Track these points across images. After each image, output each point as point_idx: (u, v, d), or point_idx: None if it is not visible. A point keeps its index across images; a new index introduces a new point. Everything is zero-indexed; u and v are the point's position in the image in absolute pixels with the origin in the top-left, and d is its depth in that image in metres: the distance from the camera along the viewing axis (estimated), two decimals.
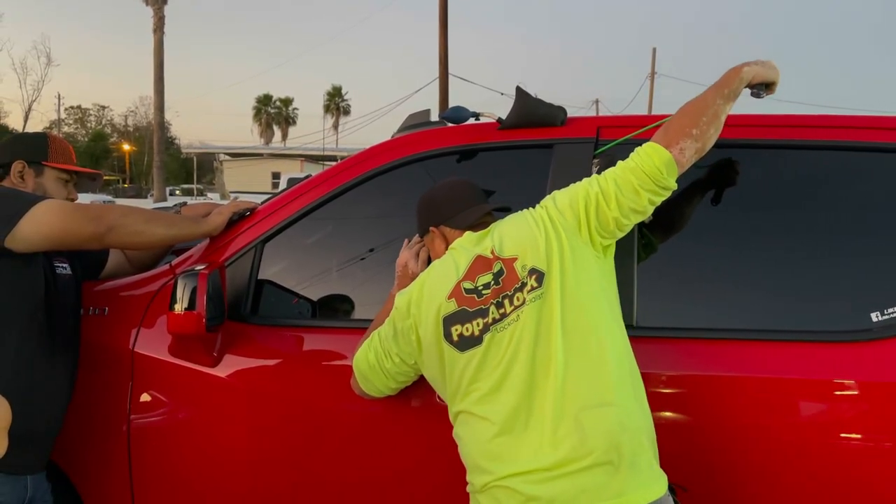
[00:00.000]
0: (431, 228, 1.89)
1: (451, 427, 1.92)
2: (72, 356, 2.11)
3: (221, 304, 2.04)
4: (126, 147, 51.78)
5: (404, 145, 2.22)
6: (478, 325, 1.66)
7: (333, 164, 2.44)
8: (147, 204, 24.05)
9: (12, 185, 2.15)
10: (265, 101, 63.38)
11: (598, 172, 2.00)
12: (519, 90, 2.16)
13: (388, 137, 2.42)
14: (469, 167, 2.20)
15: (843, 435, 1.77)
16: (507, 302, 1.65)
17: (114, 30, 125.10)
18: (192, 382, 2.12)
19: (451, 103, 19.06)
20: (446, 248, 1.84)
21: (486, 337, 1.64)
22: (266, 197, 2.44)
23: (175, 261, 2.31)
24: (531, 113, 2.12)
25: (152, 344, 2.16)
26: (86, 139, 56.93)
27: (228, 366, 2.10)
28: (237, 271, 2.20)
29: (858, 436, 1.77)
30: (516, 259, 1.68)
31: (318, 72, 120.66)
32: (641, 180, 1.68)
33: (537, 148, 2.12)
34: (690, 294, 1.99)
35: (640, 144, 1.94)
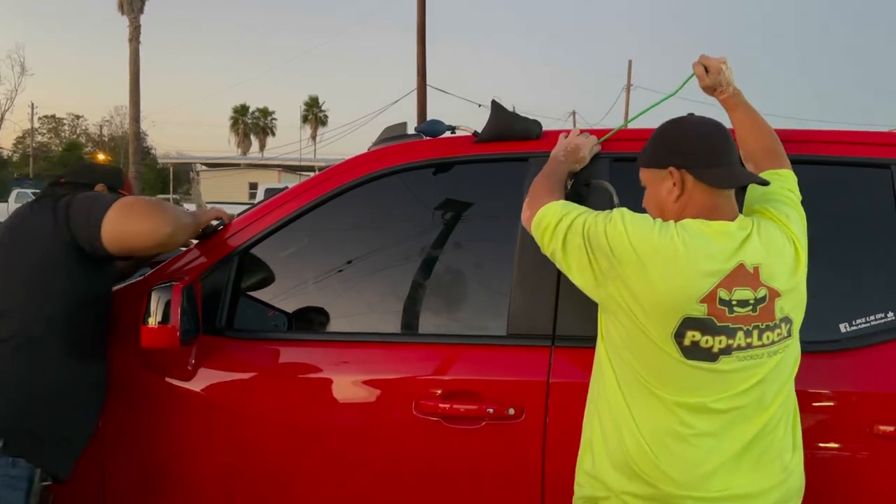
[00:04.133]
0: (672, 168, 1.58)
1: (431, 441, 1.92)
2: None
3: (196, 318, 2.03)
4: (101, 157, 51.18)
5: (382, 158, 2.22)
6: (720, 342, 1.49)
7: (311, 174, 2.44)
8: None
9: None
10: (242, 111, 63.09)
11: (573, 186, 2.02)
12: (495, 104, 2.18)
13: (365, 149, 2.43)
14: (446, 179, 2.21)
15: (814, 444, 1.79)
16: (755, 333, 1.51)
17: (89, 39, 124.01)
18: (165, 396, 2.10)
19: (430, 114, 19.18)
20: (676, 200, 1.58)
21: (724, 359, 1.50)
22: (244, 208, 2.43)
23: (149, 273, 2.30)
24: (507, 127, 2.14)
25: (127, 356, 2.14)
26: (59, 149, 56.15)
27: (203, 379, 2.09)
28: (212, 284, 2.18)
29: (828, 444, 1.80)
30: (780, 296, 1.53)
31: (296, 83, 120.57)
32: None
33: (513, 161, 2.14)
34: None
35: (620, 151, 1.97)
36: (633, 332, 1.54)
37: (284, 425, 2.05)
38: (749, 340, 1.50)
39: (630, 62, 34.48)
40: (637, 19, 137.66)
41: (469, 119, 2.23)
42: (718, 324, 1.48)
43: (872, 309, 1.85)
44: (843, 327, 1.85)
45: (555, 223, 1.64)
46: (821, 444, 1.80)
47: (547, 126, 2.21)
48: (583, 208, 1.66)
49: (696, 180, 1.56)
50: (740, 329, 1.49)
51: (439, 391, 1.95)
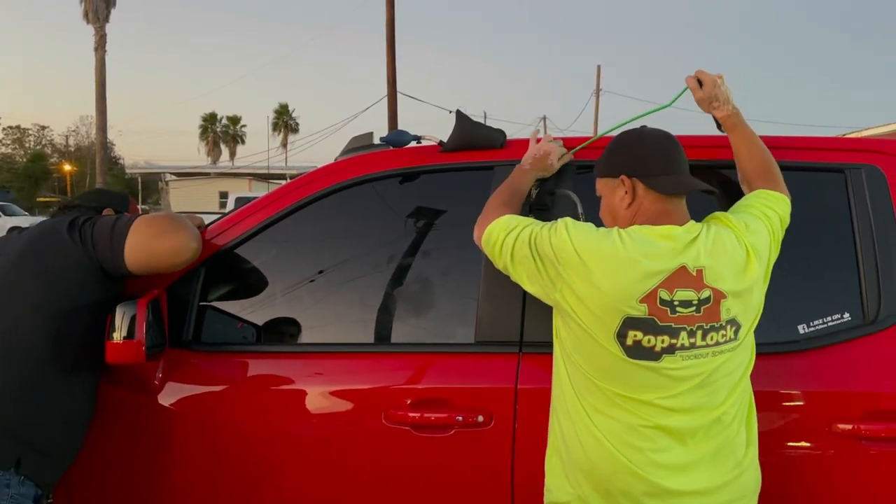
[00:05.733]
0: (623, 177, 1.66)
1: (401, 450, 1.94)
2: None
3: (162, 332, 2.01)
4: (67, 168, 50.35)
5: (351, 167, 2.23)
6: (662, 341, 1.53)
7: (282, 182, 2.44)
8: None
9: None
10: (211, 119, 62.58)
11: (537, 195, 2.03)
12: (459, 114, 2.20)
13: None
14: (413, 189, 2.22)
15: (774, 444, 1.83)
16: (699, 333, 1.54)
17: (54, 48, 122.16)
18: (132, 411, 2.09)
19: (401, 120, 19.19)
20: (627, 207, 1.66)
21: (667, 358, 1.53)
22: (214, 217, 2.42)
23: None
24: (471, 136, 2.16)
25: None
26: (24, 160, 55.12)
27: (170, 394, 2.07)
28: (179, 296, 2.17)
29: (788, 444, 1.84)
30: (726, 298, 1.56)
31: (266, 91, 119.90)
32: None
33: (478, 170, 2.15)
34: None
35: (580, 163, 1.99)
36: (581, 335, 1.59)
37: (252, 438, 2.04)
38: (692, 340, 1.53)
39: (599, 67, 34.82)
40: (605, 24, 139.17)
41: (443, 124, 2.24)
42: (660, 323, 1.52)
43: (829, 310, 1.90)
44: (802, 328, 1.90)
45: (503, 238, 1.70)
46: (781, 444, 1.83)
47: (519, 131, 2.24)
48: (529, 220, 1.71)
49: (646, 188, 1.63)
50: (683, 329, 1.53)
51: (409, 400, 1.96)
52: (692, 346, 1.53)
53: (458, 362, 2.01)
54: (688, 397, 1.55)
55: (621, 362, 1.54)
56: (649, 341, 1.53)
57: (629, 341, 1.53)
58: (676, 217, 1.63)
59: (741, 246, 1.61)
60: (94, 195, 2.38)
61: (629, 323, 1.52)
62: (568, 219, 1.64)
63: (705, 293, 1.54)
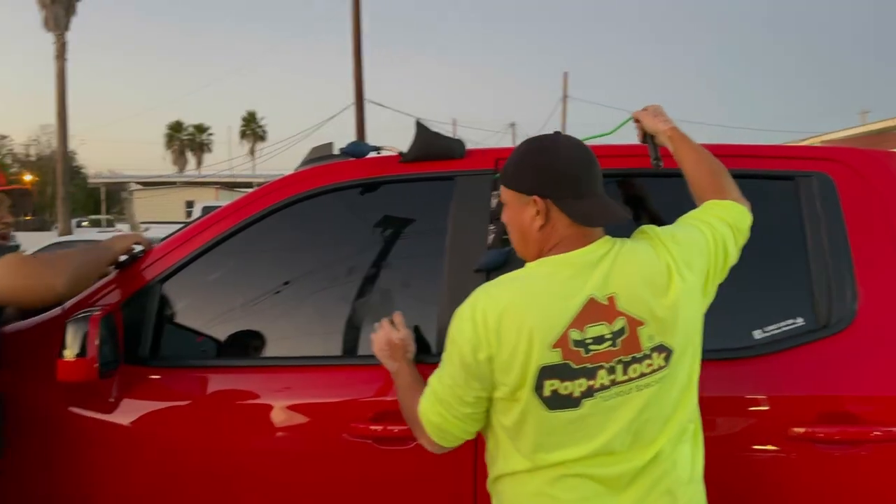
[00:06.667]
0: (536, 197, 1.47)
1: (363, 463, 1.92)
2: None
3: (116, 348, 1.98)
4: (27, 178, 49.29)
5: (314, 177, 2.21)
6: (580, 385, 1.38)
7: (249, 190, 2.40)
8: (51, 237, 22.94)
9: None
10: (177, 128, 61.94)
11: (498, 204, 2.04)
12: (419, 124, 2.20)
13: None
14: (374, 200, 2.21)
15: (733, 449, 1.85)
16: (620, 368, 1.39)
17: (13, 57, 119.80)
18: (86, 430, 2.04)
19: (369, 127, 19.13)
20: (539, 229, 1.48)
21: (588, 403, 1.39)
22: (178, 226, 2.39)
23: (68, 304, 2.22)
24: (431, 146, 2.16)
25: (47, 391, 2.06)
26: None
27: (125, 411, 2.03)
28: (135, 312, 2.13)
29: (747, 449, 1.85)
30: (643, 325, 1.41)
31: (233, 99, 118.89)
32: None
33: (439, 180, 2.15)
34: None
35: None
36: (504, 404, 1.47)
37: (211, 454, 2.01)
38: (613, 377, 1.39)
39: (566, 74, 35.12)
40: (575, 32, 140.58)
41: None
42: (575, 366, 1.38)
43: (783, 316, 1.93)
44: (757, 333, 1.92)
45: (439, 410, 1.54)
46: (738, 449, 1.85)
47: (488, 138, 2.23)
48: (434, 375, 1.57)
49: (560, 211, 1.47)
50: (601, 367, 1.38)
51: (370, 413, 1.95)
52: (612, 383, 1.39)
53: (421, 373, 1.99)
54: (615, 442, 1.41)
55: (544, 419, 1.40)
56: (566, 388, 1.38)
57: (546, 392, 1.38)
58: (594, 237, 1.49)
59: (660, 260, 1.47)
60: None
61: (545, 373, 1.37)
62: (464, 312, 1.47)
63: (619, 323, 1.40)
